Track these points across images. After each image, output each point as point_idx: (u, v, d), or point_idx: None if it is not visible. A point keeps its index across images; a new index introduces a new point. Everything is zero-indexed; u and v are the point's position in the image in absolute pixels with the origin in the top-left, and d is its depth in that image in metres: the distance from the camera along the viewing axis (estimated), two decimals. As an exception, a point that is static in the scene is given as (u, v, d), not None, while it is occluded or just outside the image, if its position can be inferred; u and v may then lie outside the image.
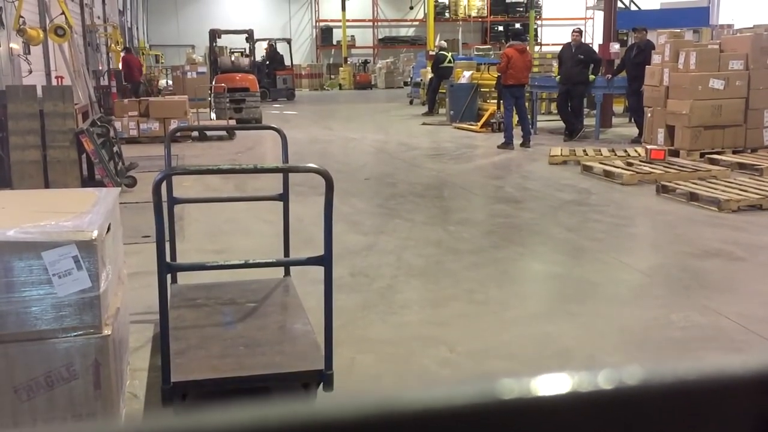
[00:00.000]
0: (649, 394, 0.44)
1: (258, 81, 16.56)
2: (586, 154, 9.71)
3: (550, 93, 14.76)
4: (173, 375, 2.65)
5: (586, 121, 12.67)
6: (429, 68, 18.70)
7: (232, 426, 0.40)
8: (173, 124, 11.35)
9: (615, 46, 13.16)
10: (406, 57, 30.91)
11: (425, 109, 17.26)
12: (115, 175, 7.83)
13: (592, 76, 11.78)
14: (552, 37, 33.60)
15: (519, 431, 0.43)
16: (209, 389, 2.77)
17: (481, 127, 13.59)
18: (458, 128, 14.09)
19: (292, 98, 23.92)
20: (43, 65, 12.28)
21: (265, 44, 24.31)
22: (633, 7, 19.55)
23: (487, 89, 14.84)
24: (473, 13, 35.97)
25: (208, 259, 4.88)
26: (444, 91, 16.24)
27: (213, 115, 14.69)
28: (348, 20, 32.48)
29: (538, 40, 33.53)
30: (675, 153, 9.29)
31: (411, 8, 36.66)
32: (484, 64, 18.06)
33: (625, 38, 16.99)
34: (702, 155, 9.21)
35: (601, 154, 9.72)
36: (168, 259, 2.88)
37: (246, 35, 17.93)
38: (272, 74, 23.73)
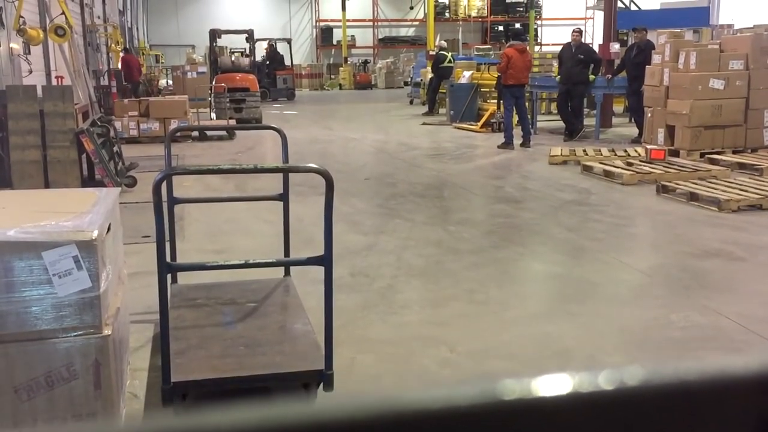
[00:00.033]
0: (650, 394, 0.44)
1: (258, 81, 16.57)
2: (586, 154, 9.71)
3: (550, 93, 14.76)
4: (173, 375, 2.65)
5: (586, 121, 12.67)
6: (429, 68, 18.71)
7: (233, 426, 0.40)
8: (173, 124, 11.35)
9: (615, 46, 13.17)
10: (406, 57, 30.91)
11: (425, 109, 17.26)
12: (115, 175, 7.83)
13: (592, 76, 11.78)
14: (552, 37, 33.60)
15: (519, 432, 0.43)
16: (209, 389, 2.77)
17: (481, 127, 13.59)
18: (458, 128, 14.09)
19: (292, 98, 23.92)
20: (43, 65, 12.28)
21: (265, 44, 24.32)
22: (633, 7, 19.53)
23: (487, 89, 14.84)
24: (473, 13, 35.96)
25: (208, 259, 4.88)
26: (444, 91, 16.24)
27: (213, 115, 14.69)
28: (348, 20, 32.49)
29: (538, 40, 33.53)
30: (675, 153, 9.30)
31: (411, 8, 36.66)
32: (484, 64, 18.07)
33: (625, 38, 16.99)
34: (702, 155, 9.21)
35: (601, 154, 9.72)
36: (168, 259, 2.88)
37: (246, 35, 17.94)
38: (272, 74, 23.74)
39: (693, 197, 6.98)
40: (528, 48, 13.71)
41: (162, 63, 30.60)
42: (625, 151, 10.03)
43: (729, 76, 9.30)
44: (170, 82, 22.74)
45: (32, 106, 7.67)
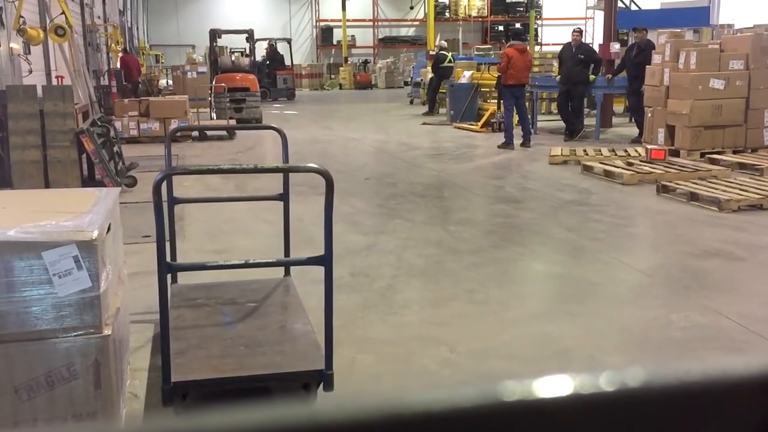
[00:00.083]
0: (651, 395, 0.44)
1: (258, 81, 16.56)
2: (587, 154, 9.71)
3: (550, 93, 14.76)
4: (173, 375, 2.65)
5: (587, 121, 12.67)
6: (429, 68, 18.70)
7: (233, 426, 0.40)
8: (173, 124, 11.35)
9: (615, 46, 13.17)
10: (407, 57, 30.91)
11: (425, 108, 17.26)
12: (116, 175, 7.83)
13: (592, 76, 11.78)
14: (552, 37, 33.60)
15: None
16: (209, 389, 2.77)
17: (482, 127, 13.59)
18: (458, 128, 14.09)
19: (292, 98, 23.93)
20: (43, 65, 12.28)
21: (265, 44, 24.32)
22: (633, 7, 19.52)
23: (488, 89, 14.84)
24: (473, 13, 35.97)
25: (209, 259, 4.88)
26: (444, 91, 16.24)
27: (213, 115, 14.69)
28: (348, 20, 32.49)
29: (539, 40, 33.53)
30: (675, 153, 9.29)
31: (411, 8, 36.66)
32: (485, 63, 18.07)
33: (626, 38, 16.99)
34: (702, 155, 9.21)
35: (602, 154, 9.72)
36: (168, 259, 2.88)
37: (246, 35, 17.94)
38: (272, 74, 23.74)
39: (693, 197, 6.98)
40: (528, 48, 13.71)
41: (162, 63, 30.60)
42: (626, 151, 10.03)
43: (729, 76, 9.30)
44: (170, 82, 22.73)
45: (32, 106, 7.67)
